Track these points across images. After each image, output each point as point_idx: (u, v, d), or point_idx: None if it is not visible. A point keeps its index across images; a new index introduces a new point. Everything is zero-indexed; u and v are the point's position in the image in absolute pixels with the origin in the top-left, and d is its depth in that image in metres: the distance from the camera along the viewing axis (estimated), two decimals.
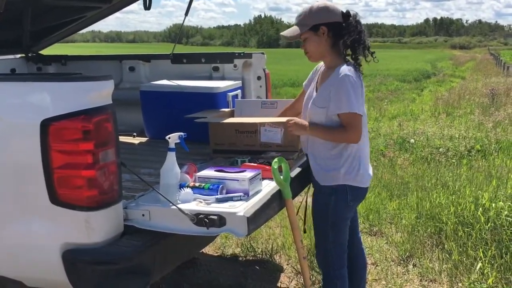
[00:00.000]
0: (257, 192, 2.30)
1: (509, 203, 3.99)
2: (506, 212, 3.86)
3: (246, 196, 2.22)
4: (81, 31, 4.62)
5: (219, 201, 2.17)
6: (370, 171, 2.59)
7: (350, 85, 2.35)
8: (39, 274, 2.11)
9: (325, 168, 2.49)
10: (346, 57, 2.44)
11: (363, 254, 2.91)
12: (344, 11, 2.42)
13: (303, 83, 2.76)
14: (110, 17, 4.14)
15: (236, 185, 2.26)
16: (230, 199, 2.18)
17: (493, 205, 4.00)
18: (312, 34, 2.43)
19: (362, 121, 2.41)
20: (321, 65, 2.63)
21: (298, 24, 2.45)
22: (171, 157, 2.21)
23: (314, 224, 2.64)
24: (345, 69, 2.38)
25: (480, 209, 4.00)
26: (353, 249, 2.73)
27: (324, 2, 2.44)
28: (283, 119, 2.75)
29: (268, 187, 2.40)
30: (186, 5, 3.77)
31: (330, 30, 2.41)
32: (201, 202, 2.18)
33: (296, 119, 2.56)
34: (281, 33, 2.52)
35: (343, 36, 2.40)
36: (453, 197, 4.45)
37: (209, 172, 2.39)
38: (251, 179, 2.27)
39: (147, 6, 3.77)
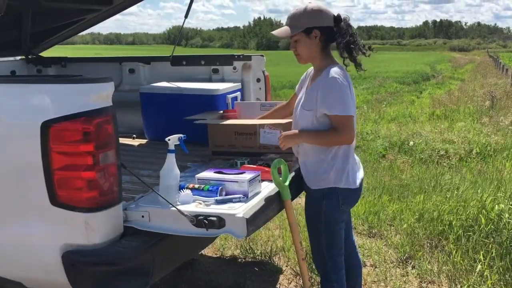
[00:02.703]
0: (256, 194, 2.31)
1: (510, 206, 3.99)
2: (507, 215, 3.86)
3: (245, 197, 2.23)
4: (80, 33, 4.63)
5: (218, 202, 2.18)
6: (360, 170, 2.56)
7: (339, 87, 2.32)
8: (39, 275, 2.11)
9: (315, 172, 2.45)
10: (345, 59, 2.42)
11: (357, 255, 2.88)
12: (335, 14, 2.39)
13: (296, 87, 2.76)
14: (110, 19, 4.15)
15: (235, 187, 2.27)
16: (230, 200, 2.19)
17: (494, 207, 4.00)
18: (303, 36, 2.39)
19: (353, 122, 2.37)
20: (311, 69, 2.60)
21: (290, 25, 2.41)
22: (171, 158, 2.22)
23: (307, 229, 2.59)
24: (333, 71, 2.34)
25: (483, 211, 4.00)
26: (346, 251, 2.66)
27: (318, 5, 2.40)
28: (283, 121, 2.76)
29: (267, 188, 2.41)
30: (185, 7, 3.77)
31: (323, 34, 2.39)
32: (200, 203, 2.19)
33: (285, 132, 2.52)
34: (272, 32, 2.49)
35: (334, 40, 2.39)
36: (453, 200, 4.45)
37: (208, 174, 2.40)
38: (250, 181, 2.28)
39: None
